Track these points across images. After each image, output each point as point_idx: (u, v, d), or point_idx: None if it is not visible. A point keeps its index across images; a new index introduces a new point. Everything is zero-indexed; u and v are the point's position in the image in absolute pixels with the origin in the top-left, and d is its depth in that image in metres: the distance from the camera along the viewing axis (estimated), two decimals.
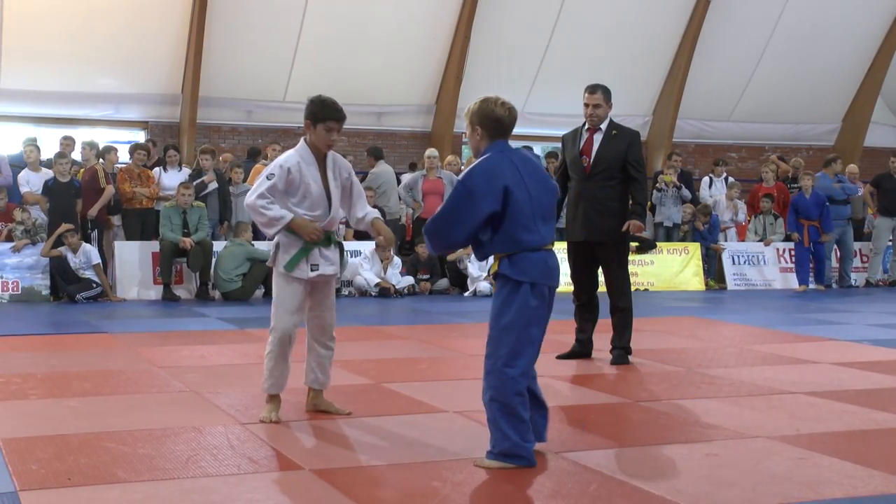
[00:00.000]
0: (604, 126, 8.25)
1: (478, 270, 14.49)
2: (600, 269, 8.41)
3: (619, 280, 8.32)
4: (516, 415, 4.84)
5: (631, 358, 8.29)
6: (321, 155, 5.90)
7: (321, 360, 6.04)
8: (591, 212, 8.19)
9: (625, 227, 8.14)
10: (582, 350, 8.46)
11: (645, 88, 20.98)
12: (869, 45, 21.88)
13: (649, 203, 16.62)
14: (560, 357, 8.38)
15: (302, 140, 5.94)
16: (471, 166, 4.98)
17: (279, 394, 5.97)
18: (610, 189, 8.18)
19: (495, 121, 5.02)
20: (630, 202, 8.27)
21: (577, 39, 19.79)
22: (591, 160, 8.21)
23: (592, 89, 8.28)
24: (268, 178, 5.76)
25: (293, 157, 5.85)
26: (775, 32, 20.95)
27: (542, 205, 4.98)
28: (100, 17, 17.14)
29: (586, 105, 8.26)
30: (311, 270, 5.84)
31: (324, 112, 5.82)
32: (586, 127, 8.32)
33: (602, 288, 8.41)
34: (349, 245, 13.68)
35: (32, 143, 14.49)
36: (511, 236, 4.89)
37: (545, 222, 5.01)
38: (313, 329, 6.06)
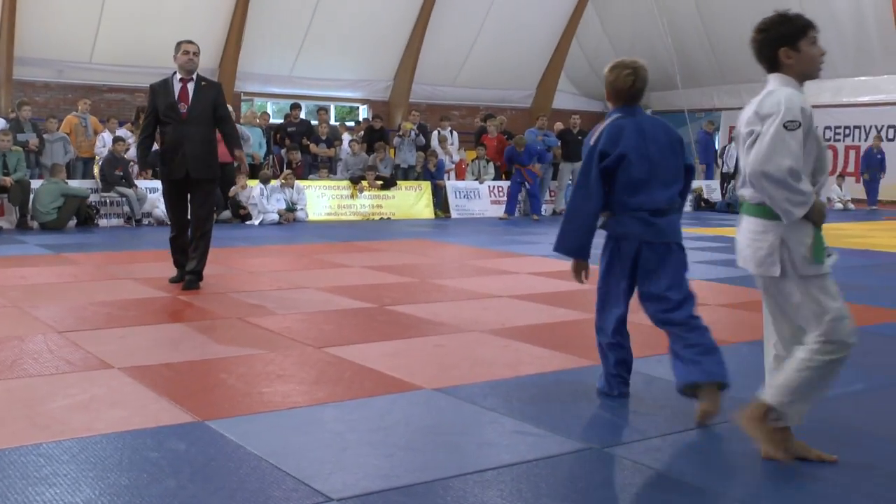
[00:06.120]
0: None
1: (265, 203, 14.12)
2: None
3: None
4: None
5: (375, 271, 8.26)
6: None
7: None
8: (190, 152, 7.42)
9: None
10: (181, 277, 7.55)
11: (387, 59, 21.08)
12: (554, 32, 22.92)
13: (391, 149, 16.64)
14: (172, 281, 7.58)
15: None
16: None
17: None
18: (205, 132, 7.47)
19: (620, 90, 4.16)
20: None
21: (338, 19, 19.58)
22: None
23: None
24: None
25: None
26: (487, 19, 21.47)
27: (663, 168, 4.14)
28: None
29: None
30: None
31: None
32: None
33: None
34: (148, 183, 12.97)
35: None
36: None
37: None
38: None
